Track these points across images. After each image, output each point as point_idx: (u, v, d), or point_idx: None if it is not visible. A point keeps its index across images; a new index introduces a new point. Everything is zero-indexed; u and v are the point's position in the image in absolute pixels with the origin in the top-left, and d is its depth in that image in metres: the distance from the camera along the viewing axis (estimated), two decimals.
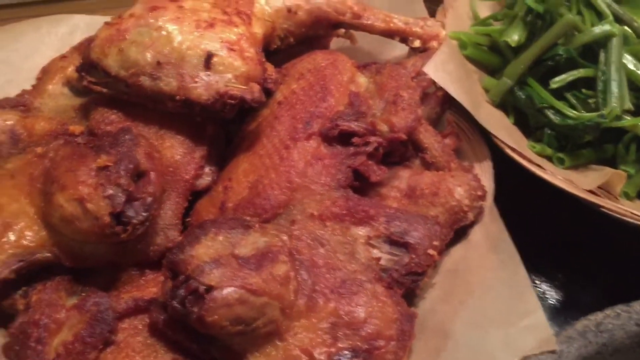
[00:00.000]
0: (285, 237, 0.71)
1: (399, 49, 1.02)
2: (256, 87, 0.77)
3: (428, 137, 0.86)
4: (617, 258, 0.92)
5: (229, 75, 0.77)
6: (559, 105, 0.92)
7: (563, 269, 0.90)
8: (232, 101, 0.76)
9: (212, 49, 0.77)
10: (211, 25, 0.79)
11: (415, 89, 0.85)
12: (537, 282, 0.89)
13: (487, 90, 0.98)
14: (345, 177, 0.77)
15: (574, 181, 0.85)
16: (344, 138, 0.79)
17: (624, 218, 0.80)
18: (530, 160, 0.86)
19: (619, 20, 1.00)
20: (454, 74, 0.88)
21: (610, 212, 0.80)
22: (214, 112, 0.77)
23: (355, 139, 0.79)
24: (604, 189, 0.86)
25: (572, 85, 0.95)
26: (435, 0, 1.13)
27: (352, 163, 0.78)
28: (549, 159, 0.93)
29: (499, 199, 0.84)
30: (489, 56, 1.03)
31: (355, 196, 0.77)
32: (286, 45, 0.92)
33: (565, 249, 0.92)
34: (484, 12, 1.11)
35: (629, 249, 0.92)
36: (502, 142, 0.86)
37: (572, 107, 0.93)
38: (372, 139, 0.79)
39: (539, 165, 0.86)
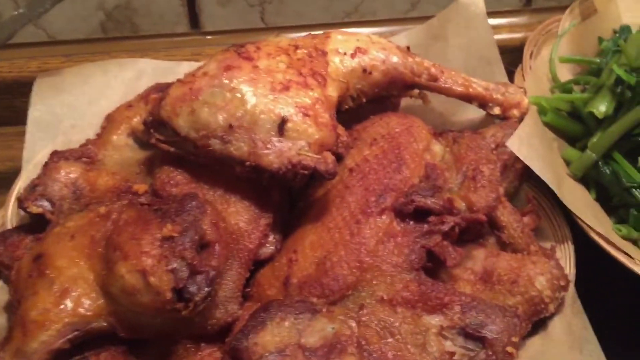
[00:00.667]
0: (353, 324, 0.66)
1: (472, 112, 0.97)
2: (330, 158, 0.73)
3: (506, 215, 0.80)
4: None
5: (302, 143, 0.73)
6: None
7: None
8: (304, 171, 0.72)
9: (286, 114, 0.73)
10: (286, 87, 0.75)
11: (496, 164, 0.80)
12: None
13: (567, 162, 0.92)
14: (418, 258, 0.72)
15: None
16: (418, 214, 0.74)
17: None
18: (617, 247, 0.80)
19: None
20: (539, 148, 0.82)
21: None
22: (284, 181, 0.73)
23: (431, 217, 0.74)
24: None
25: None
26: (510, 57, 1.08)
27: (427, 243, 0.73)
28: (634, 242, 0.86)
29: (578, 287, 0.78)
30: (569, 124, 0.96)
31: (429, 280, 0.71)
32: (357, 105, 0.88)
33: None
34: (564, 73, 1.05)
35: None
36: (587, 225, 0.80)
37: None
38: (449, 218, 0.74)
39: (626, 253, 0.80)
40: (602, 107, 0.90)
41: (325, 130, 0.74)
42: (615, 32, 1.05)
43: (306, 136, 0.73)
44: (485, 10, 0.96)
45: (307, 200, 0.80)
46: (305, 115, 0.74)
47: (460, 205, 0.76)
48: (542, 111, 0.97)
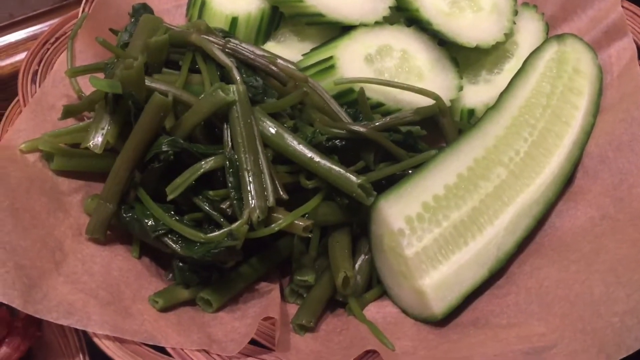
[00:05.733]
0: None
1: None
2: None
3: None
4: None
5: None
6: (179, 227, 0.62)
7: None
8: None
9: None
10: None
11: None
12: None
13: None
14: None
15: None
16: None
17: None
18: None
19: (247, 67, 0.72)
20: None
21: None
22: None
23: None
24: None
25: (209, 184, 0.66)
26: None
27: None
28: (193, 302, 0.64)
29: None
30: (93, 162, 0.70)
31: None
32: None
33: None
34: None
35: None
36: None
37: (207, 219, 0.65)
38: None
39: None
40: (98, 138, 0.65)
41: None
42: (130, 15, 0.80)
43: None
44: None
45: None
46: None
47: None
48: (47, 157, 0.69)
